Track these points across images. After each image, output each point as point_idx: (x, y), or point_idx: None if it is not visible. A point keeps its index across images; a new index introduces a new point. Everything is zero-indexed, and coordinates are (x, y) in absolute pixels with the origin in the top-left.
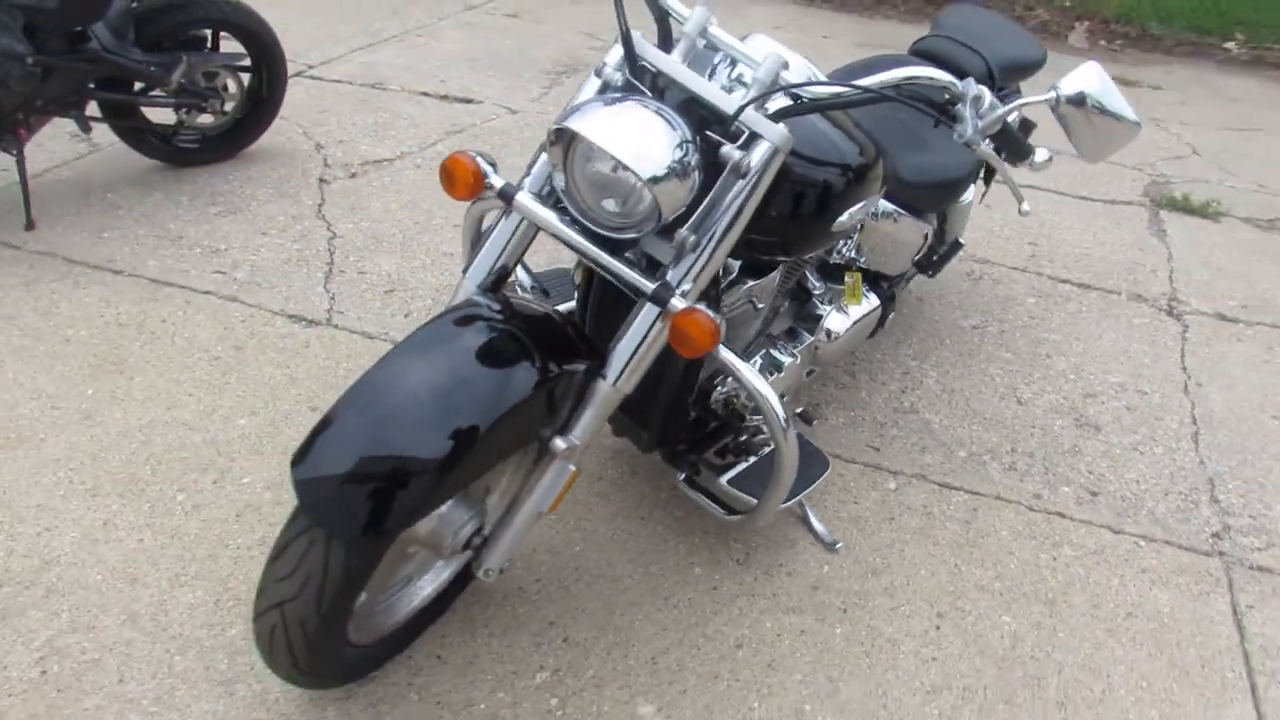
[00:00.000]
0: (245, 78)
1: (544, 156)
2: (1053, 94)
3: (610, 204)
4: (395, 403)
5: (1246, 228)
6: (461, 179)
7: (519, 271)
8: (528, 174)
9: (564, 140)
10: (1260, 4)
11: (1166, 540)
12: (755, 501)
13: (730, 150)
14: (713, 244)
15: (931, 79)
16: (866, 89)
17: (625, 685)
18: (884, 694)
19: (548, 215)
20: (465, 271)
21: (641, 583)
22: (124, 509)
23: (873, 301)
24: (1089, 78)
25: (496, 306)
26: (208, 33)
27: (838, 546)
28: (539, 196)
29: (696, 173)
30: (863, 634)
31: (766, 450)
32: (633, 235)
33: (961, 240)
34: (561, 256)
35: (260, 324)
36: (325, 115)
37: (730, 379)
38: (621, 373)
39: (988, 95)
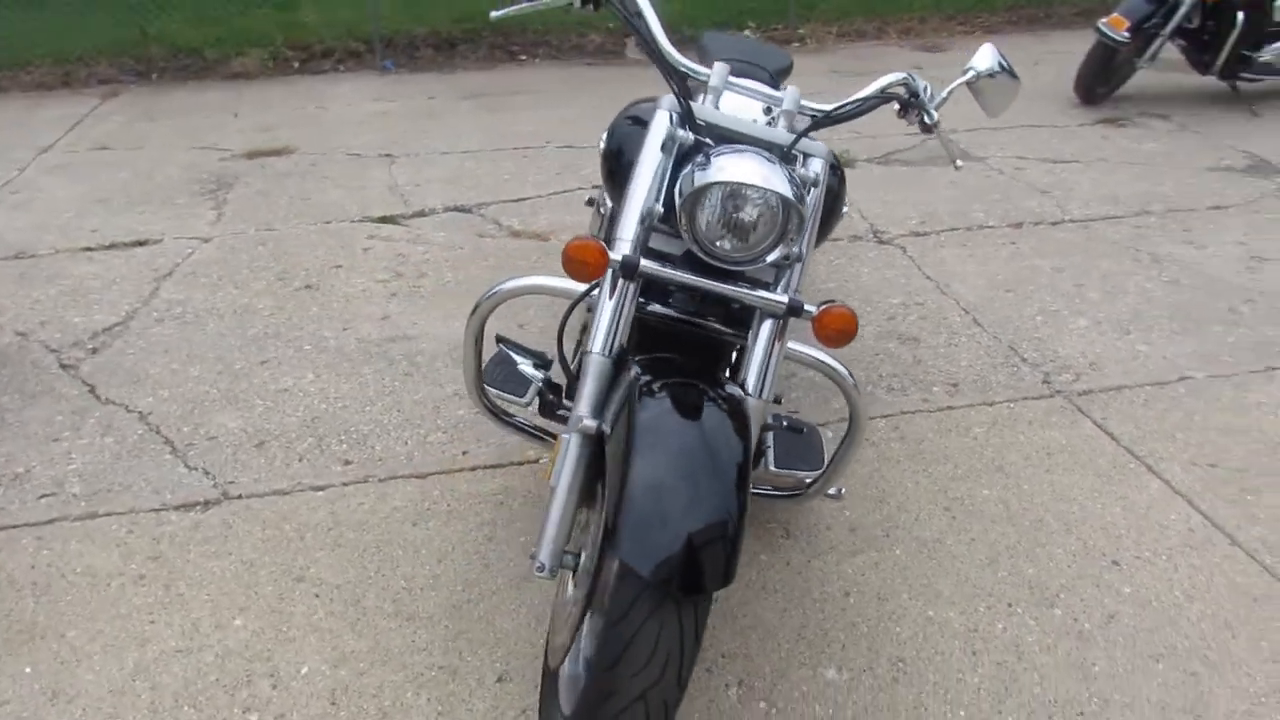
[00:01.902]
0: None
1: (632, 228)
2: (972, 72)
3: (726, 243)
4: (676, 478)
5: (873, 166)
6: (595, 261)
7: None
8: (627, 246)
9: (700, 195)
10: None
11: (1023, 397)
12: (804, 476)
13: (803, 170)
14: (808, 249)
15: (893, 81)
16: (864, 99)
17: (802, 662)
18: (963, 577)
19: (671, 271)
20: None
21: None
22: None
23: None
24: (989, 54)
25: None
26: None
27: (843, 493)
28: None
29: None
30: (913, 545)
31: (786, 426)
32: (751, 264)
33: None
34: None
35: (154, 526)
36: None
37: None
38: (763, 386)
39: (928, 85)
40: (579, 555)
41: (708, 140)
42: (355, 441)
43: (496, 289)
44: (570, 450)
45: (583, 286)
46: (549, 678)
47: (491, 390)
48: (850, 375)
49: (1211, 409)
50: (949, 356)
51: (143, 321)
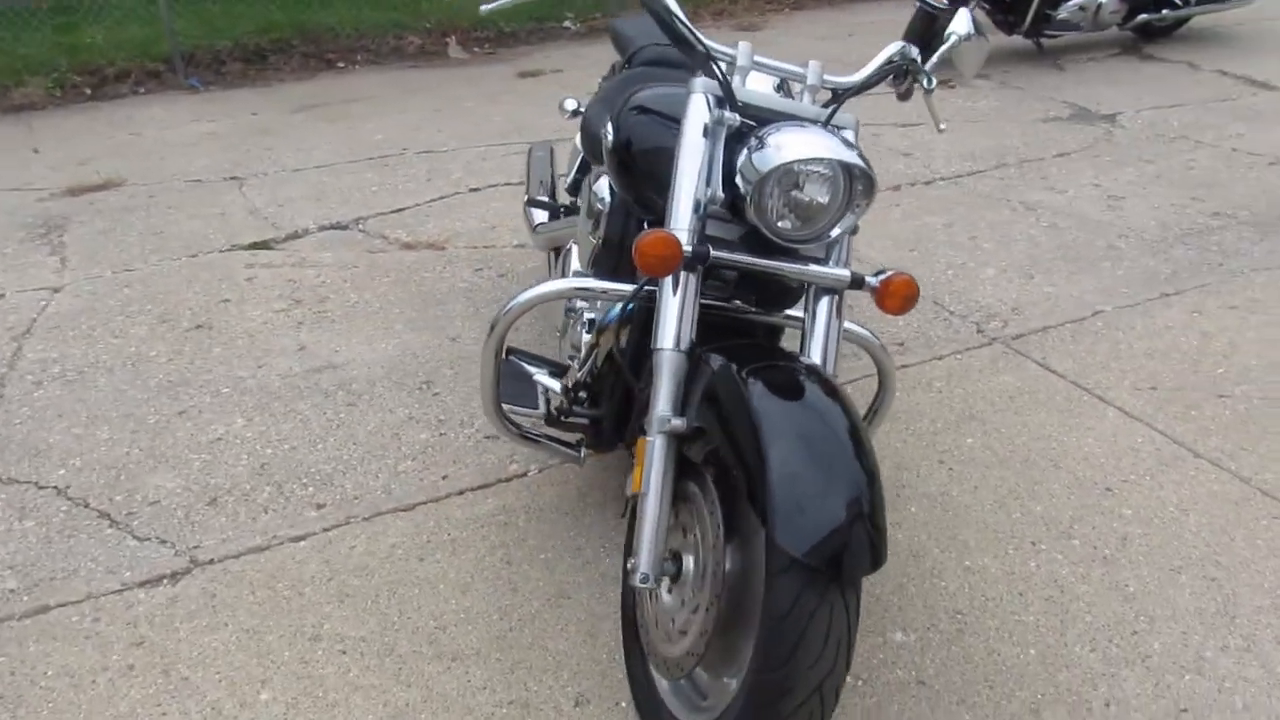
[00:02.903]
0: None
1: (687, 218)
2: (955, 37)
3: (788, 222)
4: (812, 463)
5: None
6: (673, 254)
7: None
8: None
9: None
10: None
11: (966, 348)
12: None
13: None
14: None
15: (895, 51)
16: (879, 69)
17: (867, 629)
18: (981, 524)
19: (743, 256)
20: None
21: None
22: None
23: None
24: (965, 19)
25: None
26: None
27: None
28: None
29: None
30: (925, 502)
31: None
32: (816, 240)
33: None
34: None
35: (124, 610)
36: None
37: None
38: (830, 362)
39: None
40: (678, 560)
41: (749, 121)
42: (320, 483)
43: (512, 304)
44: (657, 452)
45: (583, 284)
46: (648, 698)
47: (506, 406)
48: (876, 337)
49: (1131, 337)
50: (884, 318)
51: (18, 388)
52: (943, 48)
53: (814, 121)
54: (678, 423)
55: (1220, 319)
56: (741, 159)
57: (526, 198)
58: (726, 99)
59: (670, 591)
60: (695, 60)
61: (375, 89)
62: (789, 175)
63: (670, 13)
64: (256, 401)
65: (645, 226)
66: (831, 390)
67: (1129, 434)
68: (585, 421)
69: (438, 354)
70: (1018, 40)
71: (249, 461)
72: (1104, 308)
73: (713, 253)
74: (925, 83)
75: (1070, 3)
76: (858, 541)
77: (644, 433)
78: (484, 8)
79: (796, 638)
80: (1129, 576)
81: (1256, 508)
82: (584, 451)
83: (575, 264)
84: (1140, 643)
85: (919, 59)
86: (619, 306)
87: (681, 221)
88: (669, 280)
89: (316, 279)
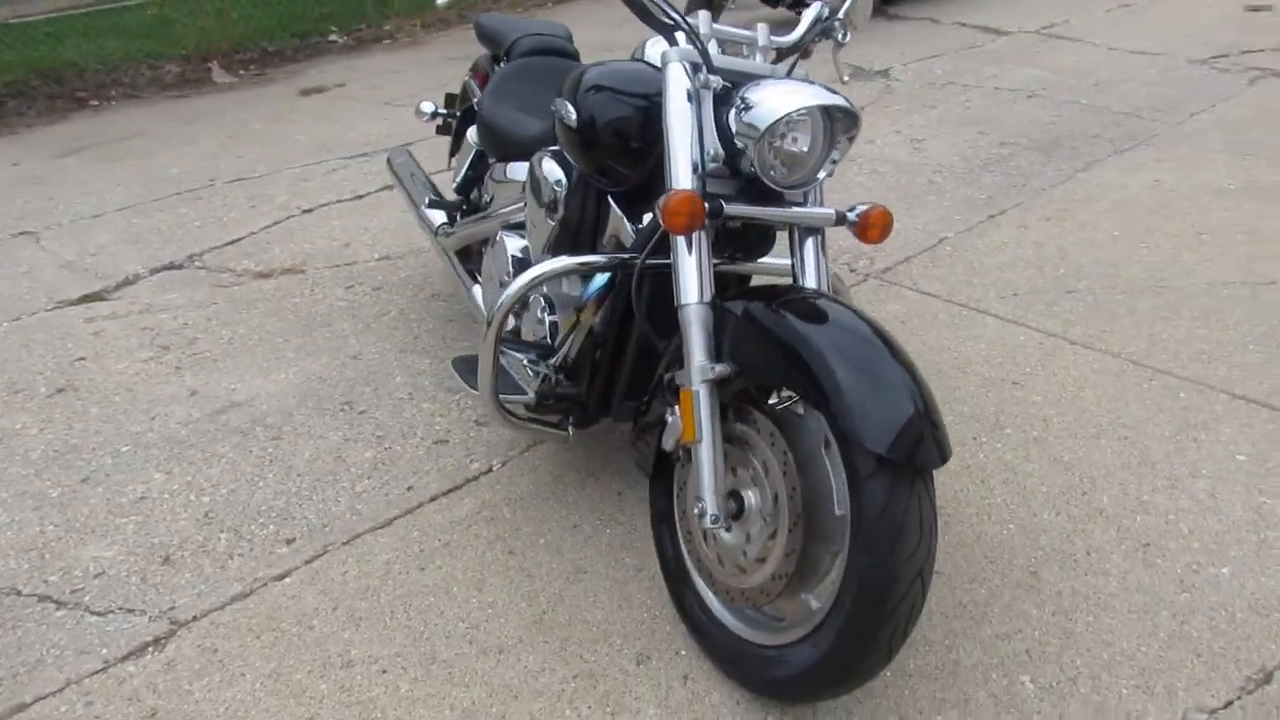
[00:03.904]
0: None
1: (687, 180)
2: None
3: (779, 170)
4: (869, 374)
5: None
6: (699, 210)
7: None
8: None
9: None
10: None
11: (849, 288)
12: None
13: None
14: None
15: (819, 9)
16: (807, 31)
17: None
18: None
19: (745, 207)
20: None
21: None
22: None
23: None
24: None
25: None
26: None
27: None
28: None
29: None
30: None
31: None
32: (807, 184)
33: None
34: None
35: (116, 686)
36: None
37: None
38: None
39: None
40: (737, 498)
41: (727, 82)
42: (279, 519)
43: (505, 295)
44: (704, 400)
45: (582, 259)
46: (719, 637)
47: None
48: (840, 279)
49: (978, 255)
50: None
51: None
52: (848, 3)
53: (780, 77)
54: (722, 368)
55: (1043, 230)
56: (733, 117)
57: (428, 200)
58: (705, 64)
59: (730, 530)
60: (665, 32)
61: (146, 123)
62: (789, 125)
63: None
64: (167, 453)
65: (610, 200)
66: (851, 308)
67: (1011, 335)
68: (570, 400)
69: (345, 374)
70: (782, 11)
71: (189, 513)
72: (947, 234)
73: (729, 208)
74: (840, 37)
75: None
76: (927, 435)
77: (670, 389)
78: (440, 1)
79: (895, 532)
80: (1061, 450)
81: (1134, 375)
82: (570, 429)
83: (510, 253)
84: (1091, 500)
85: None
86: (599, 281)
87: (683, 183)
88: (682, 239)
89: (175, 322)
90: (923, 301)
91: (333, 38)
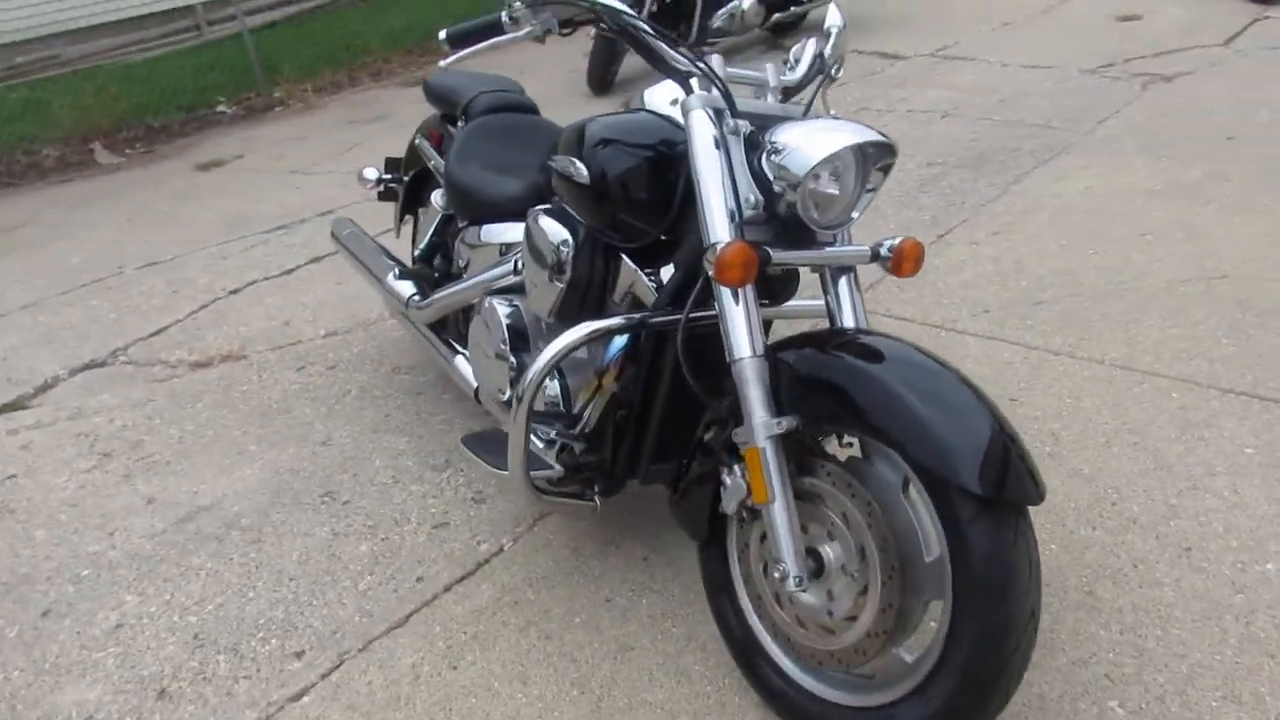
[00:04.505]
0: None
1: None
2: (835, 30)
3: (816, 211)
4: (948, 410)
5: None
6: (750, 261)
7: None
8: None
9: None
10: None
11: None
12: None
13: None
14: None
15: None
16: (809, 68)
17: None
18: None
19: (789, 252)
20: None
21: None
22: None
23: None
24: (836, 13)
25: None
26: None
27: None
28: None
29: None
30: None
31: None
32: (845, 224)
33: None
34: None
35: None
36: None
37: None
38: None
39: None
40: (814, 555)
41: (749, 124)
42: (282, 631)
43: (534, 369)
44: (771, 457)
45: (616, 320)
46: (803, 703)
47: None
48: None
49: (940, 276)
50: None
51: None
52: (833, 39)
53: (800, 118)
54: (788, 423)
55: (995, 245)
56: (765, 161)
57: (396, 271)
58: (730, 108)
59: (806, 590)
60: (679, 78)
61: (30, 212)
62: (834, 164)
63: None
64: (136, 572)
65: (624, 257)
66: (909, 344)
67: (995, 352)
68: (595, 468)
69: (318, 463)
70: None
71: (176, 637)
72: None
73: (776, 255)
74: (834, 72)
75: (720, 11)
76: (1022, 470)
77: (725, 449)
78: (442, 63)
79: (1006, 575)
80: (1078, 463)
81: (1124, 380)
82: (598, 499)
83: (502, 319)
84: (1122, 510)
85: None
86: (618, 343)
87: (722, 233)
88: (728, 291)
89: (112, 425)
90: (901, 328)
91: (221, 108)
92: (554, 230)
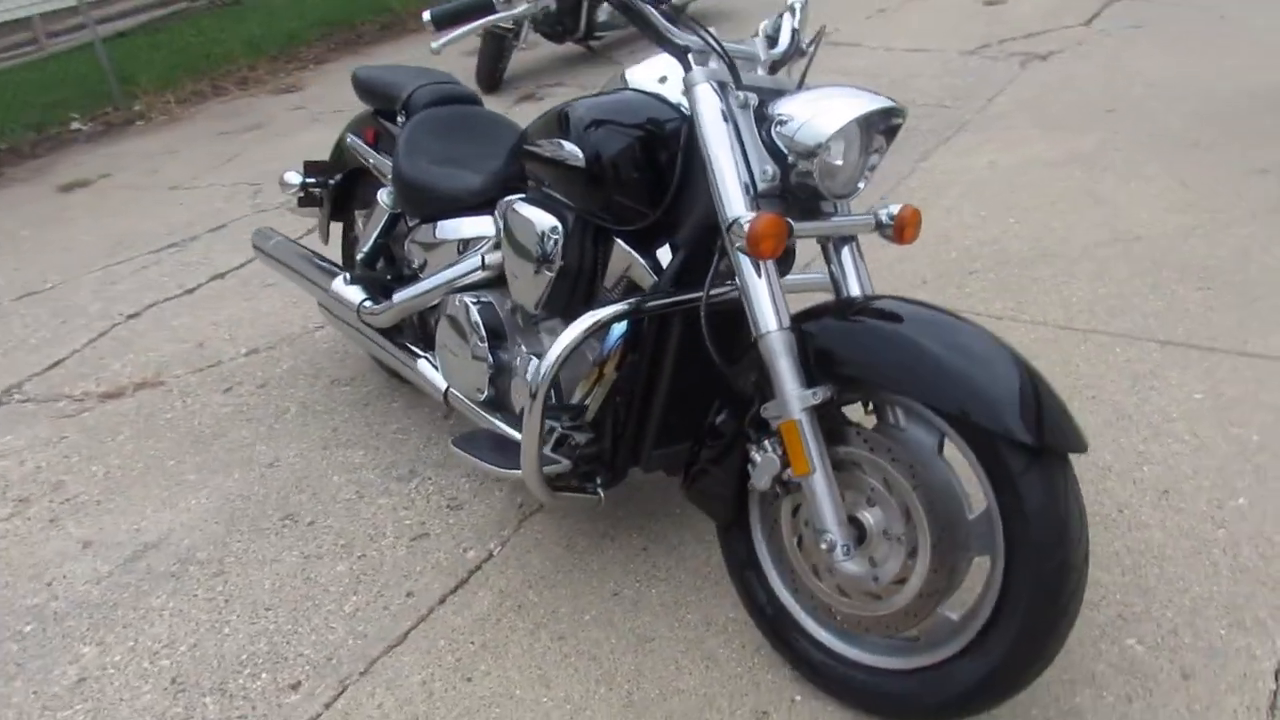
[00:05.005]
0: None
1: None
2: (798, 4)
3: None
4: (985, 366)
5: None
6: (782, 233)
7: None
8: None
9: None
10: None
11: None
12: None
13: None
14: None
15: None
16: (791, 42)
17: None
18: None
19: (808, 223)
20: None
21: None
22: None
23: None
24: None
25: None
26: None
27: None
28: None
29: None
30: None
31: None
32: (854, 193)
33: None
34: None
35: None
36: None
37: None
38: None
39: None
40: (855, 524)
41: (756, 97)
42: (271, 664)
43: (547, 362)
44: (807, 429)
45: (618, 308)
46: (846, 673)
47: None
48: None
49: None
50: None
51: None
52: (799, 13)
53: (795, 89)
54: (822, 393)
55: None
56: (778, 132)
57: (346, 277)
58: (735, 81)
59: (851, 558)
60: (678, 54)
61: None
62: (853, 132)
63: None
64: (89, 622)
65: (618, 241)
66: (929, 305)
67: None
68: (597, 460)
69: (270, 486)
70: (569, 46)
71: (150, 684)
72: None
73: (798, 226)
74: (807, 46)
75: (604, 5)
76: (1065, 418)
77: (755, 425)
78: (433, 44)
79: (1061, 522)
80: None
81: (1069, 340)
82: (601, 492)
83: (475, 317)
84: (1097, 460)
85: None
86: (618, 331)
87: (738, 207)
88: (749, 266)
89: (24, 467)
90: None
91: (75, 125)
92: (540, 219)
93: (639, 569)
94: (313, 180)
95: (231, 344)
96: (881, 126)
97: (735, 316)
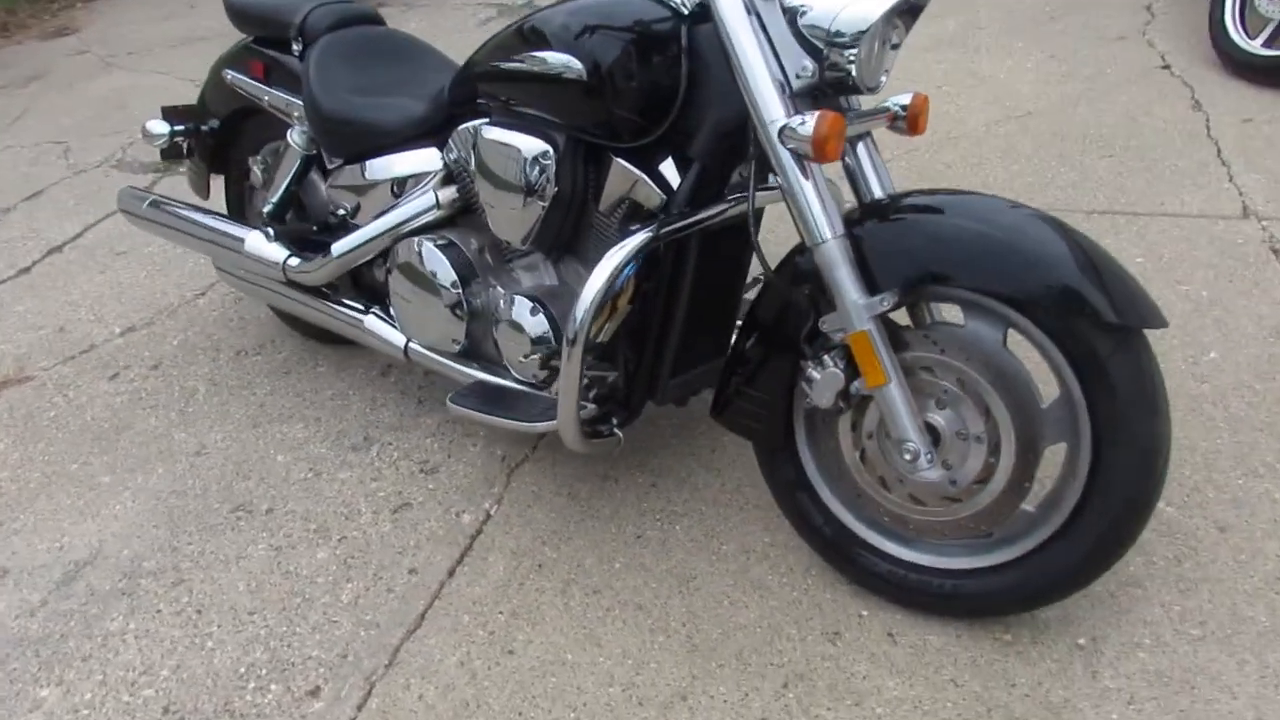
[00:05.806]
0: None
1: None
2: None
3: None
4: (1056, 249)
5: None
6: (841, 131)
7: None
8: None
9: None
10: None
11: None
12: None
13: None
14: None
15: None
16: None
17: None
18: None
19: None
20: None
21: None
22: None
23: None
24: None
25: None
26: None
27: None
28: None
29: None
30: None
31: None
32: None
33: None
34: None
35: None
36: None
37: None
38: None
39: None
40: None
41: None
42: (278, 672)
43: (583, 307)
44: (878, 339)
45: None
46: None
47: None
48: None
49: None
50: None
51: None
52: None
53: None
54: (888, 297)
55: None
56: (811, 21)
57: (270, 230)
58: None
59: (930, 463)
60: None
61: None
62: (885, 25)
63: None
64: (37, 661)
65: (616, 159)
66: (977, 193)
67: None
68: (611, 398)
69: (204, 476)
70: None
71: (141, 716)
72: None
73: (852, 122)
74: None
75: None
76: (1142, 295)
77: (808, 341)
78: None
79: (1151, 397)
80: None
81: None
82: (619, 432)
83: (442, 259)
84: None
85: None
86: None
87: (775, 108)
88: (797, 174)
89: None
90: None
91: None
92: (524, 143)
93: (654, 507)
94: (180, 128)
95: (100, 324)
96: (904, 7)
97: (739, 230)
